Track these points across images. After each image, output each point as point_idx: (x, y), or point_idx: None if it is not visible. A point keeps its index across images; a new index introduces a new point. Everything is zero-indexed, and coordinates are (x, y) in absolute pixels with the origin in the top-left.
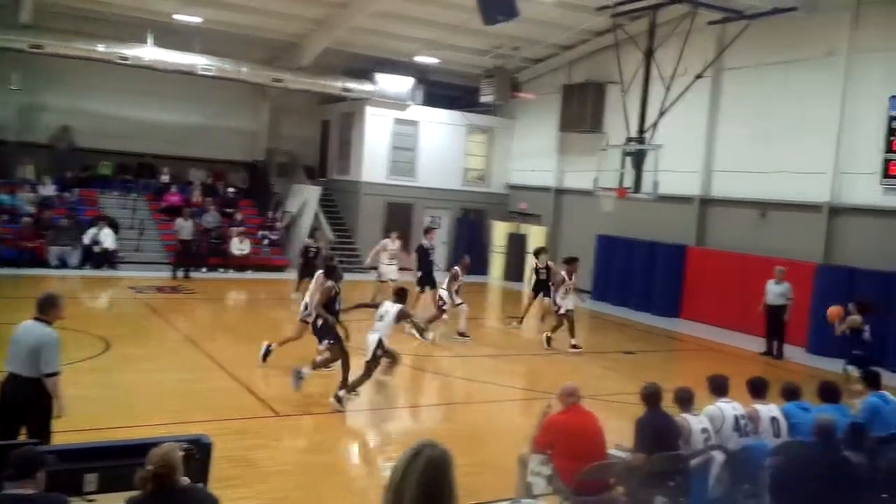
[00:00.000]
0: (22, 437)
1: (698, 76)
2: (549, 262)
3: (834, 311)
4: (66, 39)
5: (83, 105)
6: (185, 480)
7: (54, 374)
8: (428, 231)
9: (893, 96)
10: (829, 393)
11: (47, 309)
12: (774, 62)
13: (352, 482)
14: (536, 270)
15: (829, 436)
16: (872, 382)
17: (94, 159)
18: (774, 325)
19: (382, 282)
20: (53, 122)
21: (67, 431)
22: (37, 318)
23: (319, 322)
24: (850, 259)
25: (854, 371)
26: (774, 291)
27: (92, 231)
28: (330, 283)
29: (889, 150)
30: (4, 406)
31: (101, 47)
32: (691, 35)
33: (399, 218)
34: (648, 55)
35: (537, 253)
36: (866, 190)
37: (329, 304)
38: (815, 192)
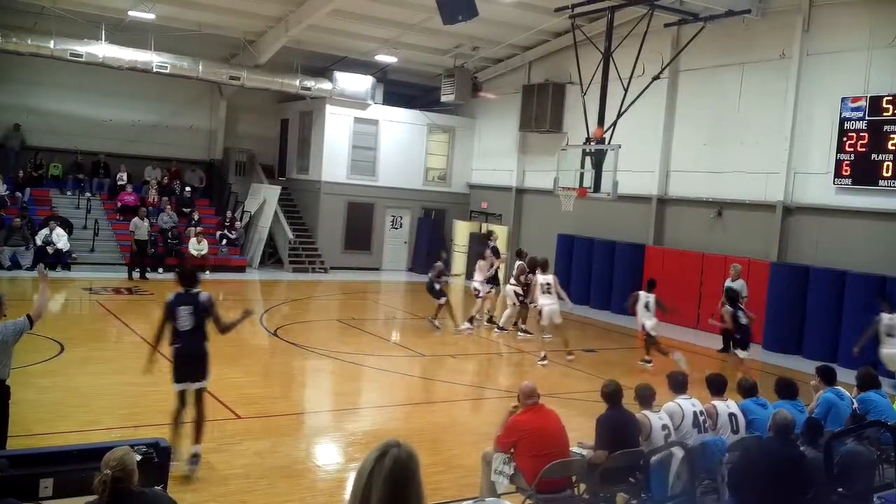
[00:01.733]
0: None
1: (655, 77)
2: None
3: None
4: (16, 35)
5: (35, 103)
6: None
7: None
8: (520, 254)
9: (845, 98)
10: (786, 389)
11: None
12: (729, 64)
13: (312, 484)
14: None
15: (786, 431)
16: (828, 378)
17: (48, 158)
18: None
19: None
20: (4, 120)
21: (22, 436)
22: None
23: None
24: (804, 257)
25: (741, 353)
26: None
27: (44, 231)
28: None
29: (840, 150)
30: None
31: (52, 44)
32: (648, 37)
33: (360, 218)
34: (607, 56)
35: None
36: (819, 189)
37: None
38: (770, 191)
